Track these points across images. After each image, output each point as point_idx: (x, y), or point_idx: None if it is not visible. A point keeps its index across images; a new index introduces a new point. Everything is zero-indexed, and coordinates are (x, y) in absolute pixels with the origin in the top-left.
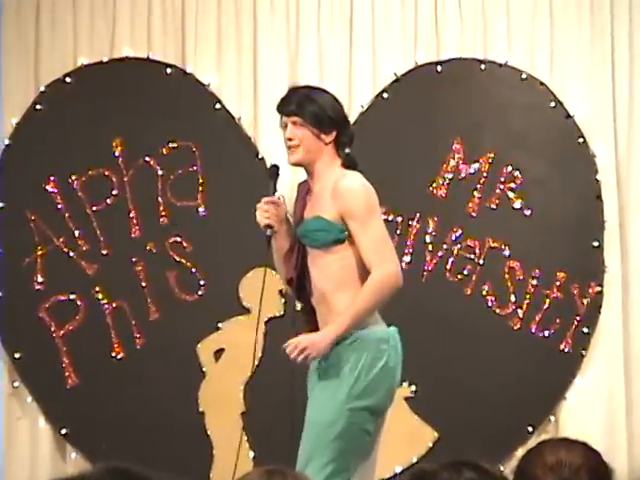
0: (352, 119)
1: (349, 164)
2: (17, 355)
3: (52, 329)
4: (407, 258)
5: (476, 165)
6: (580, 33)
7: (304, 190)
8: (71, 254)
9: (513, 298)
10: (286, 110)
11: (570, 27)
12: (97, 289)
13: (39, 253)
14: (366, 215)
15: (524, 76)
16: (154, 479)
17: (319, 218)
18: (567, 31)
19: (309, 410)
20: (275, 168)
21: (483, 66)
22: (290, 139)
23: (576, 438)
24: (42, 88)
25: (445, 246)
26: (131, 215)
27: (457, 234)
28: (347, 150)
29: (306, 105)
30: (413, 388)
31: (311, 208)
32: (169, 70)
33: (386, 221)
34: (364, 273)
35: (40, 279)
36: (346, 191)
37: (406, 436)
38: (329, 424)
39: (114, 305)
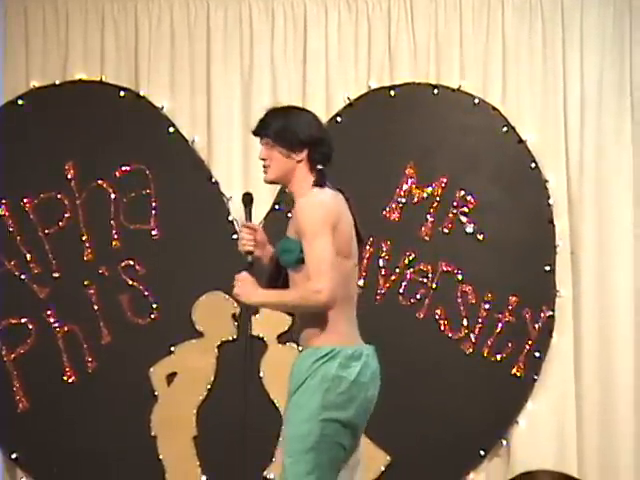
0: None
1: (318, 180)
2: None
3: (3, 353)
4: (360, 281)
5: (429, 189)
6: (532, 58)
7: None
8: (22, 277)
9: (465, 322)
10: (256, 132)
11: (522, 53)
12: (48, 312)
13: None
14: (312, 233)
15: (476, 101)
16: None
17: (286, 239)
18: (519, 57)
19: (284, 427)
20: (248, 195)
21: (436, 90)
22: (262, 159)
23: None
24: None
25: (398, 270)
26: (83, 238)
27: (410, 258)
28: (319, 167)
29: (274, 126)
30: None
31: (289, 228)
32: (122, 93)
33: None
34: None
35: None
36: (299, 209)
37: None
38: (303, 436)
39: (66, 329)
